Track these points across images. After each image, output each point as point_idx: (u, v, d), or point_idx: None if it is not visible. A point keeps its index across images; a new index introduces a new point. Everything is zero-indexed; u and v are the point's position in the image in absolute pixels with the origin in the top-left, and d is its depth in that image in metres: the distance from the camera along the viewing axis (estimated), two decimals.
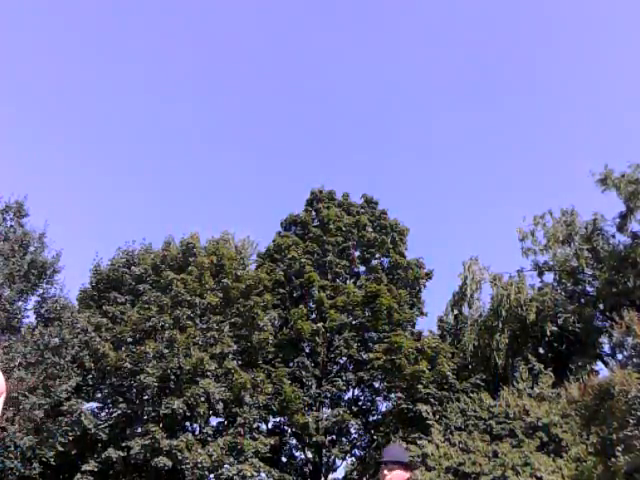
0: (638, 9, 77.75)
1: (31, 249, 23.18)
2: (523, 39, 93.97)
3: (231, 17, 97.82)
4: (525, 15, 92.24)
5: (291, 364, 30.19)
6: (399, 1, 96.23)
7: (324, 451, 29.73)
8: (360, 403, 31.55)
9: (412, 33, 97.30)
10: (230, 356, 25.42)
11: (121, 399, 24.10)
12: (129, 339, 24.67)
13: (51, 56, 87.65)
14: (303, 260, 32.00)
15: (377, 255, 34.43)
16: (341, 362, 31.84)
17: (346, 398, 31.12)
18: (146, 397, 24.07)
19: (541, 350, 32.25)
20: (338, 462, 30.85)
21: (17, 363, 20.54)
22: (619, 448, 16.50)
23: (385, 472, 4.36)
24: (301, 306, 30.86)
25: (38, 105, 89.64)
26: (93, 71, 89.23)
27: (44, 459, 21.88)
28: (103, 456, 22.47)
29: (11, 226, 23.24)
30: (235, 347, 25.69)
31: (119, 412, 23.69)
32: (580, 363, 30.25)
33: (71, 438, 22.05)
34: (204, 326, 25.79)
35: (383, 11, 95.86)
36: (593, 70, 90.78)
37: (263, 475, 25.22)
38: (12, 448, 20.24)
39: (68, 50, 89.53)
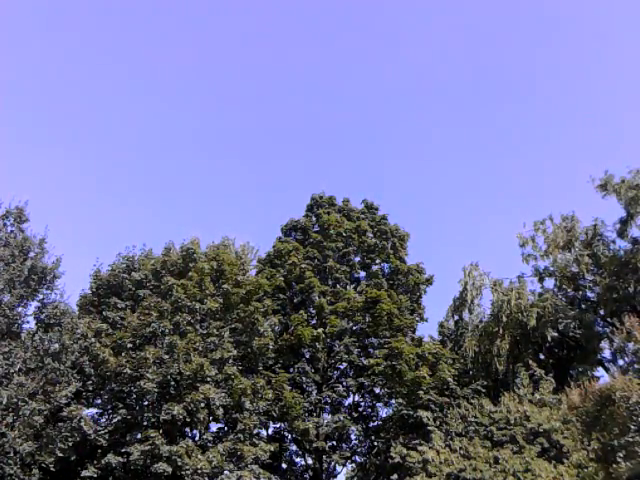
0: (638, 10, 78.03)
1: (31, 255, 23.13)
2: (522, 42, 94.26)
3: (231, 22, 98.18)
4: (524, 18, 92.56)
5: (291, 370, 30.13)
6: (400, 6, 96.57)
7: (324, 457, 29.64)
8: (360, 409, 31.47)
9: (413, 38, 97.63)
10: (230, 362, 25.34)
11: (121, 405, 24.02)
12: (129, 345, 24.59)
13: (52, 60, 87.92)
14: (303, 265, 31.97)
15: (377, 261, 34.42)
16: (341, 368, 31.77)
17: (346, 404, 31.07)
18: (146, 403, 23.99)
19: (542, 356, 32.20)
20: (338, 468, 30.79)
21: (17, 369, 20.46)
22: (620, 454, 16.45)
23: None
24: (301, 312, 30.82)
25: (39, 109, 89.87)
26: (94, 75, 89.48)
27: (44, 465, 21.80)
28: (103, 462, 22.37)
29: (11, 231, 23.20)
30: (235, 353, 25.61)
31: (119, 418, 23.59)
32: (581, 369, 30.22)
33: (71, 444, 21.92)
34: (204, 332, 25.72)
35: (382, 17, 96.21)
36: (593, 74, 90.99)
37: None
38: (12, 454, 20.12)
39: (69, 53, 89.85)
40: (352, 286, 33.75)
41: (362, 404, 31.68)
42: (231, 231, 56.08)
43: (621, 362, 29.58)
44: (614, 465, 16.57)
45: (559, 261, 33.61)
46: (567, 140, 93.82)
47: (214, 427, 25.72)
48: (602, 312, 32.15)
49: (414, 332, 31.99)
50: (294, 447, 30.85)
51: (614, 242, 32.56)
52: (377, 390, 30.94)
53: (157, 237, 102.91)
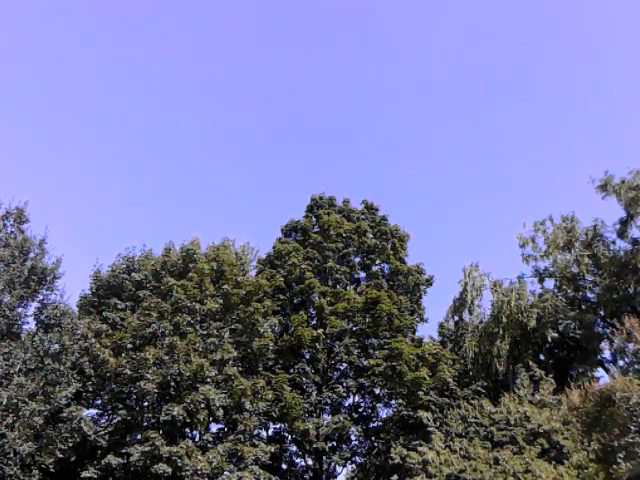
0: (638, 10, 78.07)
1: (31, 255, 23.14)
2: (522, 41, 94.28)
3: (232, 21, 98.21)
4: (525, 18, 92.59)
5: (291, 370, 30.09)
6: (400, 5, 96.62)
7: (324, 458, 29.61)
8: (360, 410, 31.45)
9: (412, 38, 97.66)
10: (230, 362, 25.33)
11: (121, 405, 24.02)
12: (129, 345, 24.59)
13: (52, 59, 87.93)
14: (303, 266, 31.95)
15: (377, 261, 34.38)
16: (341, 368, 31.75)
17: (346, 405, 31.04)
18: (146, 404, 23.99)
19: (542, 356, 32.20)
20: (338, 469, 30.76)
21: (17, 369, 20.45)
22: (620, 455, 16.44)
23: None
24: (301, 312, 30.79)
25: (39, 110, 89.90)
26: (94, 74, 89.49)
27: (43, 466, 21.77)
28: (103, 463, 22.37)
29: (11, 232, 23.21)
30: (235, 353, 25.61)
31: (119, 419, 23.60)
32: (581, 369, 30.22)
33: (71, 445, 21.89)
34: (204, 332, 25.71)
35: (382, 16, 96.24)
36: (593, 74, 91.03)
37: None
38: (11, 455, 20.11)
39: (69, 52, 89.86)
40: (352, 287, 33.73)
41: (362, 405, 31.66)
42: (231, 231, 56.14)
43: (621, 363, 29.61)
44: (614, 466, 16.56)
45: (559, 262, 33.61)
46: (567, 140, 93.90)
47: (214, 428, 25.74)
48: (602, 313, 32.13)
49: (414, 333, 31.95)
50: (294, 448, 30.82)
51: (614, 243, 32.60)
52: (377, 391, 30.91)
53: (157, 237, 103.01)
